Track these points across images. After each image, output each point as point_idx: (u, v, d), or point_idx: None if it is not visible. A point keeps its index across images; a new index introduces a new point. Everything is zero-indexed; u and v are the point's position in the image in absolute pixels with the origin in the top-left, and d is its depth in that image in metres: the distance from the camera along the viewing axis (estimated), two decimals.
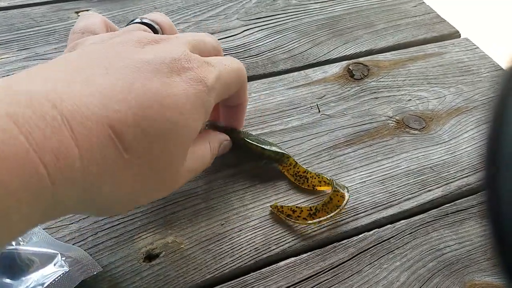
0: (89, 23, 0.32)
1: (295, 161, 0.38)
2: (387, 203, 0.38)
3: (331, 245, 0.35)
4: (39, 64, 0.26)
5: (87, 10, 0.54)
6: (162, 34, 0.34)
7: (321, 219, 0.35)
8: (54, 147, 0.20)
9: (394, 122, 0.44)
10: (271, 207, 0.36)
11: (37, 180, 0.20)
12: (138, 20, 0.33)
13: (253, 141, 0.38)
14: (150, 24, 0.33)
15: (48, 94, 0.21)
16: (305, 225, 0.35)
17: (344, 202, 0.35)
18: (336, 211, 0.35)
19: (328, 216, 0.35)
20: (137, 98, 0.24)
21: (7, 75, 0.46)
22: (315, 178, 0.37)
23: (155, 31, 0.33)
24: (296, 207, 0.35)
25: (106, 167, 0.23)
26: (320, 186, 0.37)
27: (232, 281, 0.33)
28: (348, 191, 0.36)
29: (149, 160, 0.25)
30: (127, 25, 0.33)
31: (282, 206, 0.36)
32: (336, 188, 0.36)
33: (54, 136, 0.20)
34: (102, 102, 0.23)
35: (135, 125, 0.24)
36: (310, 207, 0.35)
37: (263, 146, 0.38)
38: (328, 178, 0.37)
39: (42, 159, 0.20)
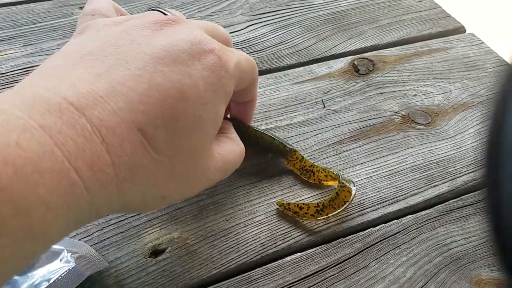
0: (100, 5, 0.31)
1: (302, 155, 0.38)
2: (393, 198, 0.38)
3: (337, 241, 0.35)
4: (54, 57, 0.25)
5: None
6: None
7: (328, 215, 0.35)
8: (87, 156, 0.20)
9: (399, 117, 0.44)
10: (277, 204, 0.36)
11: (74, 191, 0.20)
12: (153, 8, 0.33)
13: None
14: (164, 13, 0.32)
15: (75, 101, 0.21)
16: (312, 221, 0.35)
17: (351, 197, 0.35)
18: (344, 207, 0.35)
19: (336, 212, 0.35)
20: (160, 95, 0.24)
21: (12, 71, 0.46)
22: (321, 172, 0.37)
23: None
24: (303, 203, 0.35)
25: (137, 169, 0.23)
26: (326, 180, 0.37)
27: (238, 277, 0.32)
28: (354, 186, 0.36)
29: (178, 156, 0.25)
30: None
31: (288, 203, 0.35)
32: (343, 183, 0.35)
33: (86, 145, 0.20)
34: (128, 104, 0.23)
35: (162, 125, 0.24)
36: (317, 203, 0.35)
37: (272, 136, 0.38)
38: (335, 173, 0.37)
39: (77, 169, 0.20)
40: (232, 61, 0.28)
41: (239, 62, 0.29)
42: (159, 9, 0.32)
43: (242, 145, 0.33)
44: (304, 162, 0.38)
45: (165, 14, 0.32)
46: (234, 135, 0.33)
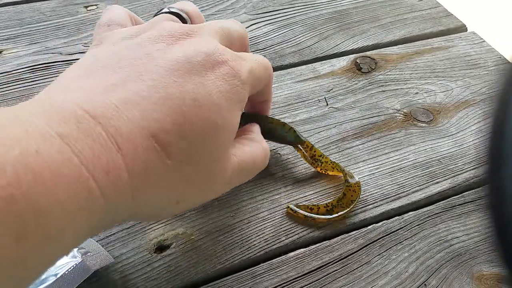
0: (115, 15, 0.32)
1: (311, 144, 0.38)
2: (395, 195, 0.38)
3: (340, 237, 0.35)
4: (71, 69, 0.26)
5: (96, 5, 0.54)
6: (191, 23, 0.33)
7: (339, 214, 0.35)
8: (103, 163, 0.21)
9: (401, 115, 0.44)
10: (287, 209, 0.36)
11: (90, 196, 0.20)
12: (166, 10, 0.33)
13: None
14: (179, 14, 0.32)
15: (91, 110, 0.22)
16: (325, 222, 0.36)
17: (358, 196, 0.36)
18: (352, 206, 0.36)
19: (345, 211, 0.36)
20: (174, 103, 0.24)
21: (17, 69, 0.46)
22: (329, 164, 0.38)
23: (183, 20, 0.32)
24: (313, 205, 0.36)
25: (151, 175, 0.23)
26: (332, 171, 0.38)
27: (242, 272, 0.33)
28: (359, 184, 0.37)
29: (192, 161, 0.25)
30: (155, 14, 0.33)
31: (298, 206, 0.36)
32: (349, 182, 0.36)
33: (102, 152, 0.21)
34: (141, 112, 0.23)
35: (175, 131, 0.24)
36: (326, 204, 0.36)
37: (285, 122, 0.38)
38: (342, 168, 0.37)
39: (94, 176, 0.20)
40: (245, 70, 0.29)
41: (252, 69, 0.30)
42: (173, 10, 0.32)
43: (264, 145, 0.33)
44: (314, 151, 0.38)
45: (180, 16, 0.32)
46: (255, 135, 0.33)
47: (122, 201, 0.22)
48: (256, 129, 0.34)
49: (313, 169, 0.39)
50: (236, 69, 0.28)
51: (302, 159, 0.39)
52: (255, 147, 0.32)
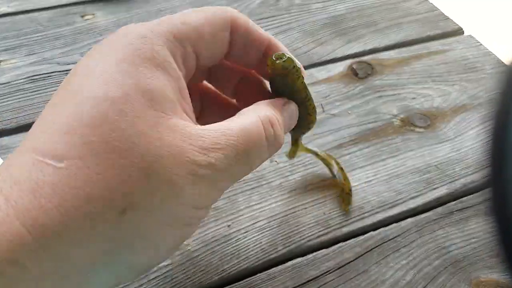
0: None
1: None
2: (392, 201, 0.38)
3: (337, 245, 0.35)
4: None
5: (93, 14, 0.55)
6: None
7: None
8: None
9: (399, 121, 0.44)
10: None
11: None
12: None
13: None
14: None
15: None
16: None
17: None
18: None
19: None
20: (64, 99, 0.20)
21: (15, 80, 0.46)
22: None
23: None
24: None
25: (43, 190, 0.18)
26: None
27: (239, 282, 0.33)
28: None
29: (106, 152, 0.19)
30: None
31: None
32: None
33: None
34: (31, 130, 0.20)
35: (55, 128, 0.19)
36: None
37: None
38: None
39: None
40: (152, 24, 0.23)
41: (170, 19, 0.23)
42: None
43: (263, 114, 0.24)
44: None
45: None
46: (258, 105, 0.25)
47: (14, 234, 0.17)
48: (263, 102, 0.26)
49: (309, 177, 0.39)
50: (139, 30, 0.22)
51: (299, 165, 0.40)
52: (244, 119, 0.23)
